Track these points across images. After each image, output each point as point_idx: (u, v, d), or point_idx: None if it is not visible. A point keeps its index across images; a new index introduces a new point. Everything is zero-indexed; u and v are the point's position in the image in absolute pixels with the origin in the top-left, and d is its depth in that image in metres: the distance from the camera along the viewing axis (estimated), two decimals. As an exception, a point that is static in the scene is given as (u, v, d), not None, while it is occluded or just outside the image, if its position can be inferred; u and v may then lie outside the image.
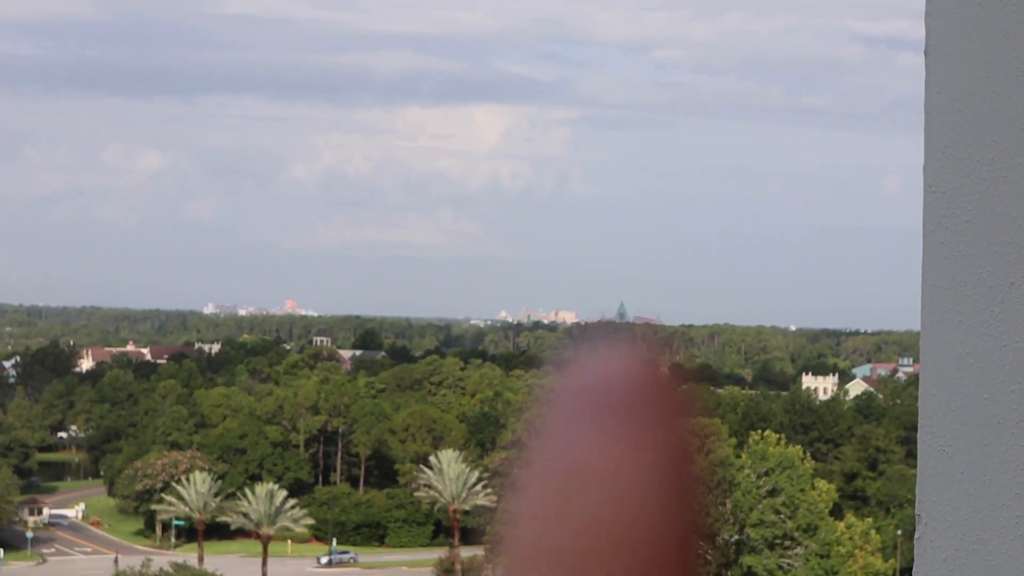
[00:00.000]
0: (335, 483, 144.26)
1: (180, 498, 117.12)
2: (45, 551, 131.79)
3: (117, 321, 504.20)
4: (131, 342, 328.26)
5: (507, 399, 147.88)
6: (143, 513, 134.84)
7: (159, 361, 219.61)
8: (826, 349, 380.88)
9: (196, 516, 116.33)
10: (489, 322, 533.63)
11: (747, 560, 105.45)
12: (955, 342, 1.43)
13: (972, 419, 1.43)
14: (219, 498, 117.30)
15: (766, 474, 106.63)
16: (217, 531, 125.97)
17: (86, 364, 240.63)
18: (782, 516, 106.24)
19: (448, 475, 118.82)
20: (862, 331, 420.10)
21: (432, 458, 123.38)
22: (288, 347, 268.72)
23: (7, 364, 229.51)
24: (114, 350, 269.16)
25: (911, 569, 1.74)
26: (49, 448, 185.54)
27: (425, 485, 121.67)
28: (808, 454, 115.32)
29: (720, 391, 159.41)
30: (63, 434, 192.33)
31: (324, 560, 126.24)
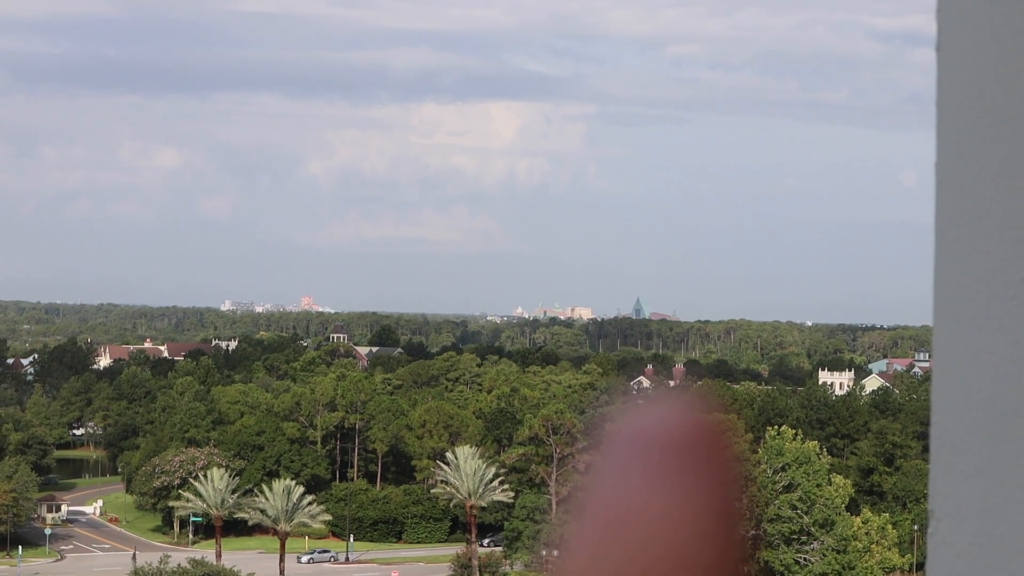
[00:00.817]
0: (352, 479, 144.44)
1: (197, 495, 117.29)
2: (63, 548, 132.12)
3: (134, 318, 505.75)
4: (148, 339, 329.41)
5: (524, 395, 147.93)
6: (161, 510, 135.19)
7: (176, 358, 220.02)
8: (842, 344, 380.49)
9: (214, 513, 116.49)
10: (505, 318, 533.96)
11: (764, 555, 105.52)
12: (967, 338, 1.44)
13: (984, 414, 1.44)
14: (236, 495, 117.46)
15: (783, 469, 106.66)
16: (235, 527, 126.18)
17: (104, 361, 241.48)
18: (799, 511, 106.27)
19: (465, 471, 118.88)
20: (878, 326, 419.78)
21: (449, 454, 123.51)
22: (305, 344, 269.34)
23: (25, 362, 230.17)
24: (131, 347, 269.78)
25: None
26: (67, 445, 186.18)
27: (442, 481, 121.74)
28: (824, 449, 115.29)
29: (736, 387, 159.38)
30: (81, 431, 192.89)
31: (305, 559, 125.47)
